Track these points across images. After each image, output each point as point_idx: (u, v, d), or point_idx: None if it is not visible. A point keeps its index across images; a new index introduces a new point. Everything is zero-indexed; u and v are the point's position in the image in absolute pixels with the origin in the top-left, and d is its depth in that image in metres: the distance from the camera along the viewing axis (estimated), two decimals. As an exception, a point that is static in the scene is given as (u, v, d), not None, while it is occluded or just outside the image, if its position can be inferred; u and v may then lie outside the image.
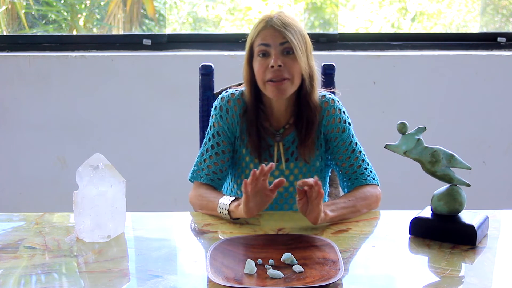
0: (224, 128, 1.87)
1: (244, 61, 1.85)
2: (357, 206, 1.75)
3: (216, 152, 1.86)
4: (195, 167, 1.88)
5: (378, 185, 1.86)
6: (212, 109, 1.91)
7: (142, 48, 3.20)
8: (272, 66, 1.75)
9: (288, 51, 1.77)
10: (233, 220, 1.69)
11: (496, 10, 3.69)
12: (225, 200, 1.69)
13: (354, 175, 1.85)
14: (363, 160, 1.87)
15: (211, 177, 1.85)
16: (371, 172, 1.86)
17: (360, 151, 1.88)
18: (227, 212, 1.68)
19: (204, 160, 1.87)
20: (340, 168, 1.87)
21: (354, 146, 1.87)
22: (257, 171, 1.55)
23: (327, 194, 2.00)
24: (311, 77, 1.82)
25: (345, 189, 1.89)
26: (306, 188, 1.56)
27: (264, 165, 1.56)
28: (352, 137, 1.88)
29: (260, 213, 1.75)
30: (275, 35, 1.77)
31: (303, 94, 1.83)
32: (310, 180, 1.55)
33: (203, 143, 1.91)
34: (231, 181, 1.94)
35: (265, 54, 1.78)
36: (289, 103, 1.85)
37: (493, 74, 3.15)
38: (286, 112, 1.86)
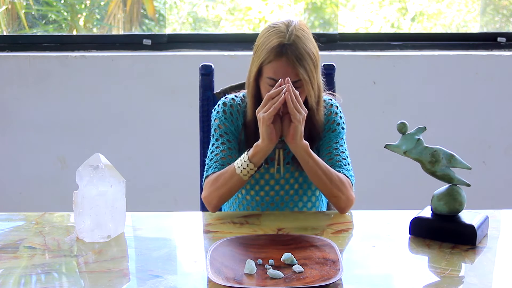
0: (231, 129, 1.85)
1: (250, 77, 1.78)
2: (334, 179, 1.72)
3: (228, 147, 1.82)
4: (206, 167, 1.83)
5: (352, 185, 1.80)
6: (214, 113, 1.88)
7: (142, 48, 3.20)
8: None
9: (298, 86, 1.72)
10: (257, 169, 1.70)
11: (496, 10, 3.69)
12: (241, 156, 1.71)
13: (331, 162, 1.79)
14: (345, 159, 1.82)
15: (220, 163, 1.79)
16: (349, 170, 1.81)
17: (344, 152, 1.83)
18: (248, 162, 1.69)
19: (216, 154, 1.82)
20: (322, 157, 1.82)
21: (339, 146, 1.83)
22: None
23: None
24: (318, 99, 1.79)
25: None
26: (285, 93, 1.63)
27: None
28: (342, 140, 1.85)
29: (260, 213, 1.77)
30: (288, 72, 1.69)
31: (309, 115, 1.75)
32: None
33: (210, 145, 1.87)
34: None
35: (273, 86, 1.71)
36: None
37: (493, 74, 3.15)
38: None
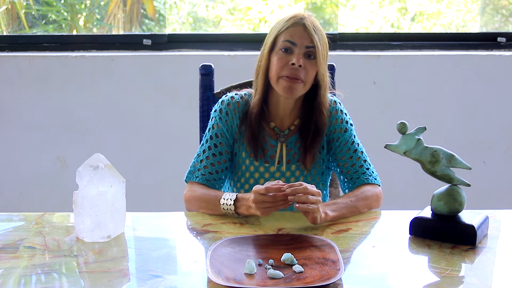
0: (223, 130, 1.86)
1: (264, 50, 1.82)
2: (358, 206, 1.75)
3: (213, 153, 1.86)
4: (191, 168, 1.88)
5: (379, 185, 1.86)
6: (212, 112, 1.91)
7: (142, 48, 3.20)
8: (293, 64, 1.75)
9: (310, 55, 1.77)
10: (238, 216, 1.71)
11: (496, 10, 3.69)
12: (227, 201, 1.70)
13: (356, 175, 1.85)
14: (365, 161, 1.87)
15: (207, 178, 1.84)
16: (372, 172, 1.86)
17: (362, 152, 1.88)
18: (233, 211, 1.70)
19: (201, 161, 1.86)
20: (342, 168, 1.87)
21: (356, 146, 1.87)
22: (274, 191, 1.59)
23: (327, 195, 1.99)
24: (325, 85, 1.82)
25: (346, 190, 1.88)
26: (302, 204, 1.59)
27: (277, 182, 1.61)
28: (354, 137, 1.88)
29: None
30: (304, 36, 1.76)
31: (317, 102, 1.82)
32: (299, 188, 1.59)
33: (200, 144, 1.91)
34: (230, 185, 1.94)
35: (287, 50, 1.77)
36: (296, 105, 1.84)
37: (493, 74, 3.15)
38: (292, 114, 1.86)
